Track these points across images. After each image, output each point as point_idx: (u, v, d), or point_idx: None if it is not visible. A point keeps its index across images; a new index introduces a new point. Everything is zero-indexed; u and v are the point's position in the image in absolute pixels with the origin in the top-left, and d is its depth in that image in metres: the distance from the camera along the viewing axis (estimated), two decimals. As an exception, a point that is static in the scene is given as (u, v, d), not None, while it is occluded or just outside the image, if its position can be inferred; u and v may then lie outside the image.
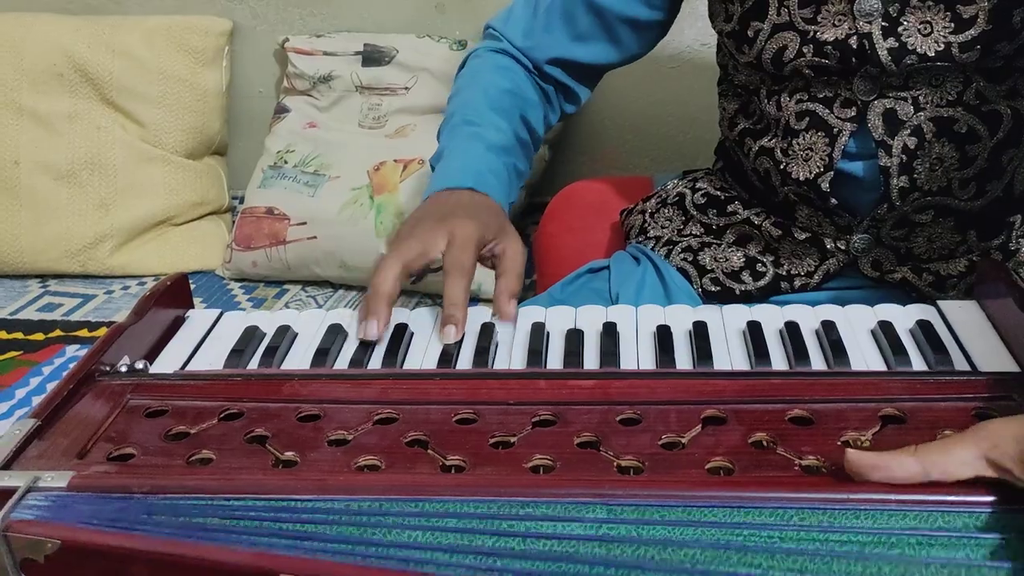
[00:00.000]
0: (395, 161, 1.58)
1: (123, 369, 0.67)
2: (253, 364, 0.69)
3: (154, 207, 1.73)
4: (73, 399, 0.62)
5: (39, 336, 1.53)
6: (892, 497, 0.47)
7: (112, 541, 0.50)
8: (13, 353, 1.48)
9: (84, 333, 1.54)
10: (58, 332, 1.54)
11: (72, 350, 1.49)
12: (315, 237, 1.56)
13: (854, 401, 0.57)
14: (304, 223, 1.59)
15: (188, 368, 0.70)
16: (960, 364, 0.63)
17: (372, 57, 1.68)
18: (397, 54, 1.67)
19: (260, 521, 0.50)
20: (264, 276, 1.65)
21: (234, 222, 1.76)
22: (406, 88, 1.66)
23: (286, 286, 1.66)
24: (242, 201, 1.83)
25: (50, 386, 1.39)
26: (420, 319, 0.74)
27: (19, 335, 1.53)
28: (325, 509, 0.51)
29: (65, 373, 0.65)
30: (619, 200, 1.24)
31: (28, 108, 1.70)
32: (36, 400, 1.36)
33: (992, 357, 0.63)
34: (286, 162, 1.65)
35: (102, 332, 1.50)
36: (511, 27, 1.01)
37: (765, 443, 0.54)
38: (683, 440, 0.55)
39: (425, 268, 0.77)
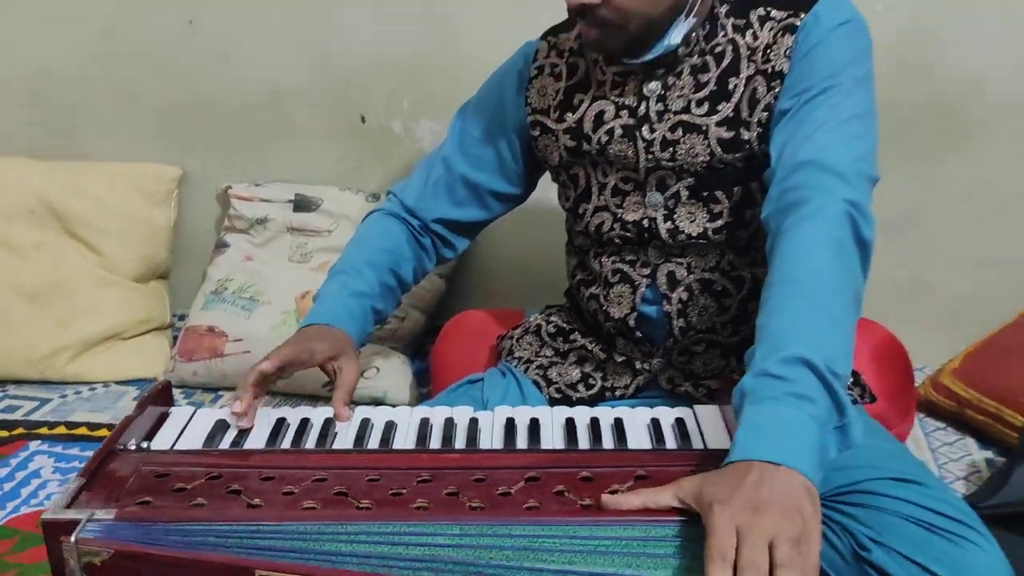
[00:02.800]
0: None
1: (132, 447, 0.93)
2: (224, 444, 0.96)
3: (107, 324, 1.92)
4: (104, 465, 0.88)
5: (4, 433, 1.69)
6: (627, 519, 0.77)
7: (143, 550, 0.76)
8: (-19, 448, 1.66)
9: (44, 431, 1.70)
10: (20, 430, 1.70)
11: (35, 445, 1.64)
12: (249, 351, 1.79)
13: (621, 467, 0.87)
14: (240, 339, 1.82)
15: (176, 447, 0.96)
16: (699, 446, 0.95)
17: (302, 204, 1.92)
18: (323, 203, 1.91)
19: (240, 538, 0.77)
20: (203, 383, 1.87)
21: (175, 337, 1.99)
22: (329, 231, 1.90)
23: (220, 392, 1.88)
24: (181, 318, 2.07)
25: (19, 475, 1.58)
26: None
27: (-15, 433, 1.72)
28: (282, 531, 0.78)
29: (96, 450, 0.90)
30: (497, 327, 1.52)
31: (1, 238, 1.90)
32: (7, 487, 1.54)
33: (719, 443, 0.94)
34: (226, 288, 1.88)
35: (61, 430, 1.73)
36: (407, 192, 1.33)
37: (563, 491, 0.83)
38: (512, 490, 0.83)
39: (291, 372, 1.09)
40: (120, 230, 1.97)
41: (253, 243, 1.95)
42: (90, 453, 1.58)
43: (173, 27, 1.93)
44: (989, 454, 1.61)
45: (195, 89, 1.98)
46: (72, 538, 0.76)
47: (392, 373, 1.76)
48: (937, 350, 1.81)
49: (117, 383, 1.93)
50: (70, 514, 0.79)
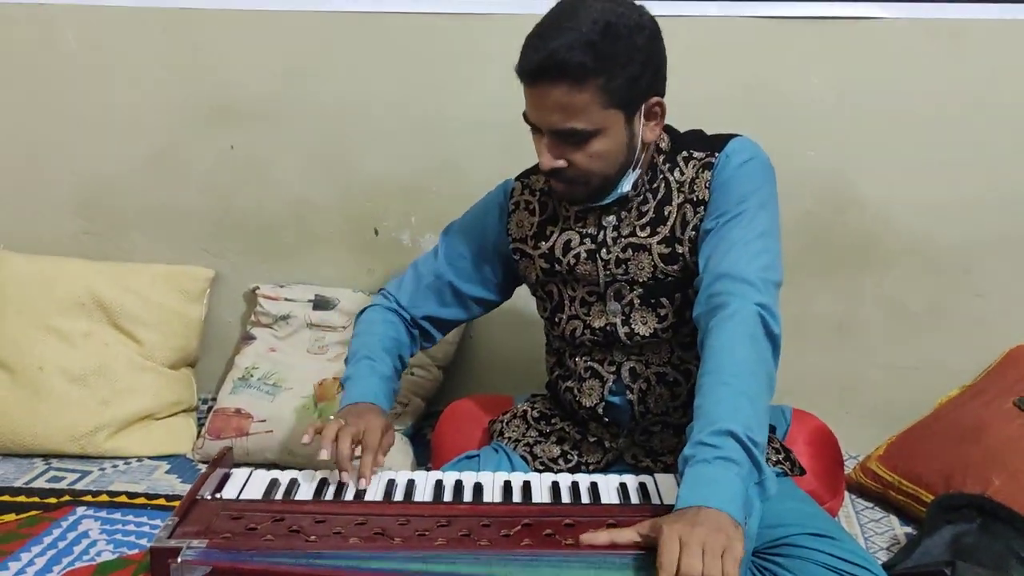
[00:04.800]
0: (333, 378, 2.04)
1: (208, 496, 1.14)
2: (278, 496, 1.17)
3: (142, 405, 2.10)
4: (191, 510, 1.09)
5: (53, 500, 1.85)
6: (599, 552, 0.99)
7: (237, 566, 0.96)
8: (34, 512, 1.79)
9: (89, 499, 1.85)
10: (67, 497, 1.86)
11: (81, 510, 1.80)
12: (272, 431, 1.98)
13: (597, 517, 1.09)
14: (264, 420, 2.00)
15: (241, 497, 1.17)
16: (657, 503, 1.17)
17: (320, 303, 2.12)
18: (339, 303, 2.12)
19: (307, 559, 0.98)
20: (228, 460, 2.06)
21: (199, 418, 2.19)
22: (344, 327, 2.11)
23: (242, 467, 2.07)
24: (205, 402, 2.27)
25: (71, 535, 1.74)
26: (374, 476, 1.24)
27: (36, 499, 1.85)
28: (337, 555, 0.99)
29: (183, 497, 1.11)
30: (488, 413, 1.71)
31: (55, 328, 2.08)
32: (62, 544, 1.71)
33: (671, 500, 1.16)
34: (252, 375, 2.08)
35: (103, 498, 1.90)
36: (401, 292, 1.55)
37: (551, 534, 1.04)
38: (511, 532, 1.05)
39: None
40: (158, 322, 2.16)
41: (277, 336, 2.16)
42: (131, 517, 1.82)
43: (216, 150, 2.18)
44: (909, 529, 1.83)
45: (231, 203, 2.22)
46: (179, 559, 0.96)
47: (396, 451, 1.96)
48: (866, 440, 2.04)
49: (149, 458, 2.11)
50: (172, 543, 0.99)
